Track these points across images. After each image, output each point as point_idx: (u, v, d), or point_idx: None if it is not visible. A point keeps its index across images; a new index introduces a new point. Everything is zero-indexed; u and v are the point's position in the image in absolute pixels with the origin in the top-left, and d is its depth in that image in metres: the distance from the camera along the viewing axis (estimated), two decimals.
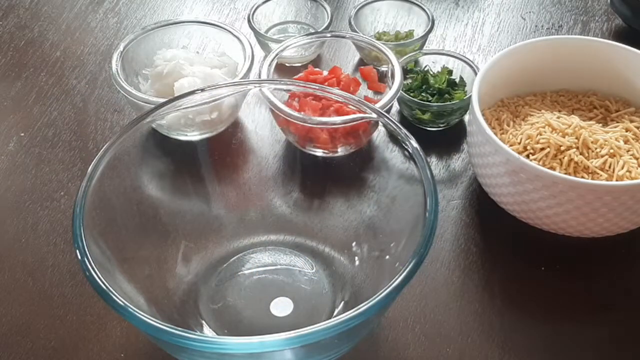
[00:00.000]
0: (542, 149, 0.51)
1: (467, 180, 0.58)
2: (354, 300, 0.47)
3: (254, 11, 0.70)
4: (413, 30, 0.70)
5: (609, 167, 0.50)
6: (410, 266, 0.37)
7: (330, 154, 0.55)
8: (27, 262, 0.53)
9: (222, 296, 0.49)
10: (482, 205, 0.56)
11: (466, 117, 0.62)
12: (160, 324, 0.35)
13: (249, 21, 0.68)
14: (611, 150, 0.50)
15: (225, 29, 0.63)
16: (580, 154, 0.50)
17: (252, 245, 0.52)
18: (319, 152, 0.56)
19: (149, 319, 0.35)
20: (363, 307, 0.35)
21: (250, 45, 0.61)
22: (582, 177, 0.49)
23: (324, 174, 0.54)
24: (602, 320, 0.49)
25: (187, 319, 0.47)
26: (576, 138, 0.51)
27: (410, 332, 0.48)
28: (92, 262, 0.38)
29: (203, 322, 0.47)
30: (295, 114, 0.53)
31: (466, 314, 0.49)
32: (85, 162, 0.60)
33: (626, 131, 0.53)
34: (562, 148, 0.50)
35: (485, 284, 0.51)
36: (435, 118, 0.61)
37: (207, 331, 0.47)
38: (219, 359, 0.38)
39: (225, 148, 0.55)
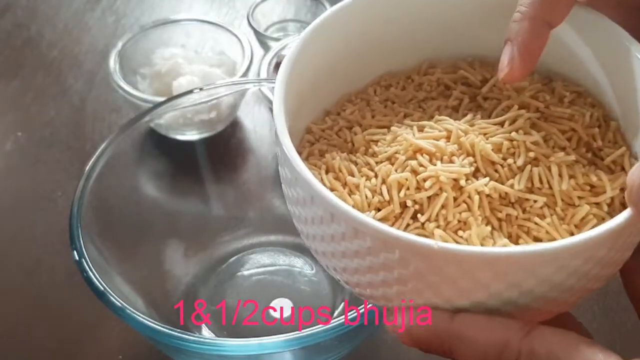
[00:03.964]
0: (432, 196, 0.28)
1: None
2: (354, 301, 0.47)
3: (253, 10, 0.69)
4: None
5: (542, 182, 0.28)
6: None
7: None
8: (23, 263, 0.53)
9: (221, 297, 0.49)
10: None
11: None
12: (158, 325, 0.35)
13: (248, 20, 0.68)
14: (530, 154, 0.29)
15: (224, 28, 0.63)
16: (488, 177, 0.28)
17: (251, 245, 0.52)
18: None
19: (147, 320, 0.35)
20: (363, 308, 0.35)
21: (250, 44, 0.61)
22: (507, 215, 0.28)
23: None
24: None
25: (185, 320, 0.47)
26: (469, 155, 0.29)
27: None
28: (89, 263, 0.37)
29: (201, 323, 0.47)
30: None
31: None
32: (83, 162, 0.60)
33: (525, 110, 0.31)
34: (462, 182, 0.28)
35: None
36: None
37: (206, 333, 0.46)
38: None
39: (224, 147, 0.55)
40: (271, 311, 0.48)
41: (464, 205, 0.28)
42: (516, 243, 0.27)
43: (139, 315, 0.35)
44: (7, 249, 0.54)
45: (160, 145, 0.52)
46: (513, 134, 0.29)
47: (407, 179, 0.28)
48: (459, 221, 0.27)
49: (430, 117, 0.32)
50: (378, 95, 0.35)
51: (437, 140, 0.29)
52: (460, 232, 0.27)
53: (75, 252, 0.38)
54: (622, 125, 0.31)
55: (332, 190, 0.29)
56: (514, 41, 0.29)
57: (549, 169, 0.28)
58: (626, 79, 0.30)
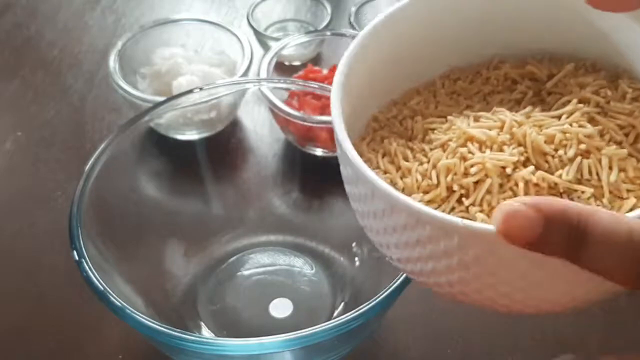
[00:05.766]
0: (478, 182, 0.29)
1: None
2: (354, 301, 0.47)
3: (253, 9, 0.69)
4: None
5: (590, 173, 0.29)
6: None
7: (330, 154, 0.54)
8: (23, 262, 0.53)
9: (220, 297, 0.49)
10: None
11: None
12: (158, 325, 0.35)
13: (247, 19, 0.68)
14: (581, 146, 0.29)
15: (224, 27, 0.63)
16: (537, 167, 0.29)
17: (251, 245, 0.52)
18: (318, 152, 0.56)
19: (147, 320, 0.35)
20: (363, 308, 0.35)
21: (249, 43, 0.61)
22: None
23: (324, 174, 0.53)
24: None
25: (185, 320, 0.47)
26: (520, 145, 0.30)
27: (410, 333, 0.48)
28: (89, 263, 0.37)
29: (201, 323, 0.47)
30: (295, 113, 0.52)
31: (467, 315, 0.49)
32: (83, 161, 0.60)
33: (583, 104, 0.31)
34: (508, 170, 0.29)
35: None
36: None
37: (206, 332, 0.46)
38: None
39: (224, 147, 0.55)
40: (271, 311, 0.48)
41: (509, 193, 0.28)
42: None
43: (139, 315, 0.35)
44: (7, 248, 0.54)
45: (160, 145, 0.52)
46: (566, 126, 0.30)
47: (455, 165, 0.29)
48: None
49: (491, 110, 0.33)
50: (445, 87, 0.36)
51: (490, 129, 0.30)
52: None
53: (75, 252, 0.38)
54: None
55: (385, 172, 0.31)
56: None
57: (599, 161, 0.29)
58: None
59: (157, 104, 0.47)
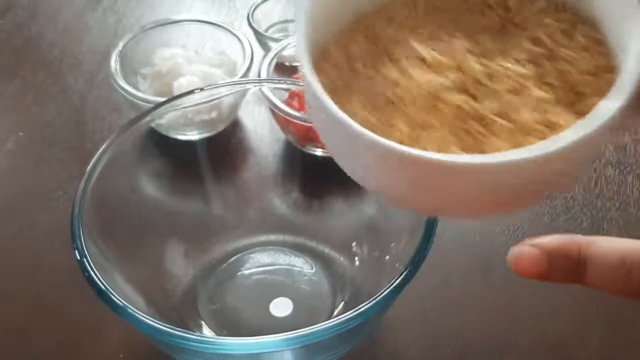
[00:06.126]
0: (408, 96, 0.31)
1: None
2: (354, 300, 0.47)
3: (254, 10, 0.69)
4: None
5: (513, 110, 0.31)
6: (410, 266, 0.37)
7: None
8: (24, 262, 0.53)
9: (221, 297, 0.49)
10: None
11: None
12: (159, 324, 0.35)
13: (248, 20, 0.68)
14: (514, 84, 0.31)
15: (224, 28, 0.63)
16: (472, 95, 0.31)
17: (252, 245, 0.52)
18: (318, 152, 0.56)
19: (148, 319, 0.35)
20: (363, 307, 0.35)
21: (250, 44, 0.61)
22: (478, 131, 0.31)
23: (324, 174, 0.54)
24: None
25: (186, 319, 0.47)
26: (460, 71, 0.32)
27: (410, 332, 0.48)
28: (91, 262, 0.38)
29: (202, 322, 0.47)
30: (295, 113, 0.52)
31: (466, 314, 0.49)
32: (84, 161, 0.60)
33: (534, 45, 0.32)
34: (442, 92, 0.31)
35: (486, 284, 0.51)
36: None
37: (206, 332, 0.46)
38: None
39: (224, 147, 0.55)
40: (271, 310, 0.48)
41: (439, 112, 0.30)
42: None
43: (140, 315, 0.35)
44: (8, 248, 0.54)
45: (161, 145, 0.52)
46: (508, 63, 0.31)
47: (398, 80, 0.31)
48: (423, 122, 0.30)
49: (454, 33, 0.34)
50: (426, 2, 0.36)
51: (442, 55, 0.32)
52: (419, 130, 0.30)
53: (76, 252, 0.38)
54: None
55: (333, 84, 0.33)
56: None
57: (525, 101, 0.30)
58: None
59: (158, 105, 0.47)
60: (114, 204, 0.45)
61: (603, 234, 0.53)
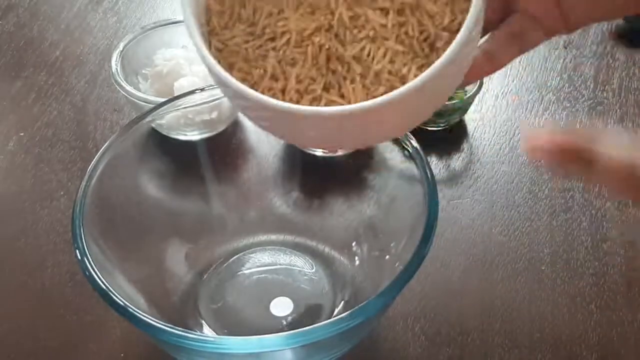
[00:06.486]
0: (284, 33, 0.35)
1: (467, 180, 0.58)
2: (354, 299, 0.47)
3: None
4: None
5: (369, 56, 0.34)
6: (410, 266, 0.37)
7: (330, 154, 0.55)
8: (26, 262, 0.53)
9: (221, 296, 0.49)
10: (482, 205, 0.56)
11: (466, 116, 0.62)
12: (159, 323, 0.35)
13: None
14: (372, 32, 0.34)
15: None
16: (339, 40, 0.34)
17: (252, 245, 0.52)
18: (318, 152, 0.56)
19: (148, 318, 0.35)
20: (363, 306, 0.35)
21: None
22: (336, 69, 0.34)
23: (324, 174, 0.54)
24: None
25: (186, 318, 0.47)
26: (332, 14, 0.35)
27: (410, 331, 0.48)
28: (92, 262, 0.38)
29: (203, 322, 0.47)
30: None
31: (466, 313, 0.49)
32: (85, 161, 0.60)
33: None
34: (308, 32, 0.34)
35: (485, 283, 0.51)
36: (435, 117, 0.61)
37: (207, 331, 0.47)
38: (219, 359, 0.38)
39: (225, 148, 0.55)
40: (272, 310, 0.48)
41: (304, 48, 0.34)
42: (327, 92, 0.34)
43: (140, 314, 0.36)
44: (9, 248, 0.54)
45: (162, 145, 0.52)
46: (370, 12, 0.34)
47: (272, 15, 0.35)
48: (293, 59, 0.34)
49: None
50: None
51: None
52: (288, 67, 0.34)
53: (77, 251, 0.38)
54: None
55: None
56: None
57: (378, 49, 0.34)
58: None
59: (159, 105, 0.47)
60: (114, 204, 0.45)
61: (603, 234, 0.54)
